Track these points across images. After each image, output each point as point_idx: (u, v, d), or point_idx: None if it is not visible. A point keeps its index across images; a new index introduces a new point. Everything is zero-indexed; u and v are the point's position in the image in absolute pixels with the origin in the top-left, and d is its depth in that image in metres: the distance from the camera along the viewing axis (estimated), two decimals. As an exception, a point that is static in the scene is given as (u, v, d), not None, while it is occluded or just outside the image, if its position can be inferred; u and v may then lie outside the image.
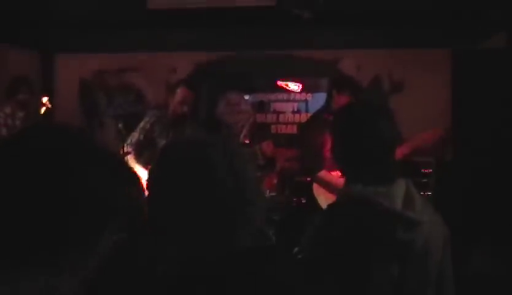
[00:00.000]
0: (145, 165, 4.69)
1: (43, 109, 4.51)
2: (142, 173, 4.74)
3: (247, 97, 7.08)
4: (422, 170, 5.50)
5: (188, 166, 1.34)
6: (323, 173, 4.61)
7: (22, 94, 4.89)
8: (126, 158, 4.54)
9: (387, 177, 1.90)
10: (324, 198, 4.49)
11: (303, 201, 5.26)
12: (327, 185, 4.55)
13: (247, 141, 5.35)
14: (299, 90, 7.10)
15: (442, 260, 1.91)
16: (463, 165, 5.00)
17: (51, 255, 1.05)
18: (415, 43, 6.34)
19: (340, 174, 4.35)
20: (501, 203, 4.56)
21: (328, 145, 4.61)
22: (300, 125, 6.83)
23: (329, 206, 2.01)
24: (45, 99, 4.59)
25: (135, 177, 1.19)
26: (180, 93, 4.73)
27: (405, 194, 1.88)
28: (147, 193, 1.40)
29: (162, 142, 4.61)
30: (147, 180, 1.43)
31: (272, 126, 7.18)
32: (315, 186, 4.68)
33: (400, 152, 3.57)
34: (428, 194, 5.09)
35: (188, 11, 5.70)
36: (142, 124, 4.83)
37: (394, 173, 1.92)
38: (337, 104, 4.44)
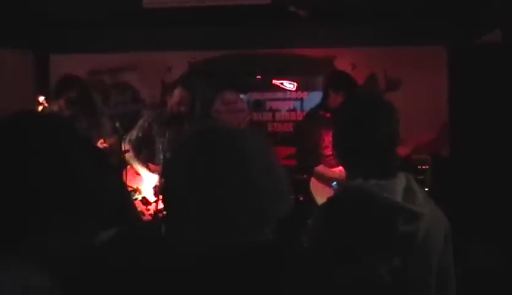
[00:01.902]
0: (144, 162, 4.71)
1: (40, 108, 4.48)
2: (141, 171, 4.77)
3: (242, 96, 7.07)
4: (419, 167, 5.51)
5: (222, 156, 1.26)
6: (320, 167, 4.62)
7: (72, 93, 4.84)
8: (125, 155, 4.56)
9: (388, 172, 1.90)
10: (321, 195, 4.49)
11: (301, 198, 5.26)
12: (324, 178, 4.56)
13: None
14: (294, 89, 7.10)
15: (444, 253, 1.92)
16: (460, 161, 5.01)
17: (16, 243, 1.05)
18: (411, 40, 6.33)
19: (339, 169, 4.38)
20: (498, 198, 4.58)
21: (324, 142, 4.65)
22: (296, 123, 6.82)
23: (330, 199, 2.00)
24: (41, 98, 4.56)
25: (116, 170, 1.20)
26: (177, 94, 4.75)
27: (406, 188, 1.89)
28: (167, 180, 1.35)
29: (160, 140, 4.64)
30: (168, 166, 1.36)
31: (269, 125, 7.17)
32: (312, 183, 4.69)
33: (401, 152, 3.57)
34: (425, 190, 5.09)
35: (182, 9, 5.69)
36: (140, 122, 4.88)
37: (395, 168, 1.93)
38: (334, 103, 4.44)
